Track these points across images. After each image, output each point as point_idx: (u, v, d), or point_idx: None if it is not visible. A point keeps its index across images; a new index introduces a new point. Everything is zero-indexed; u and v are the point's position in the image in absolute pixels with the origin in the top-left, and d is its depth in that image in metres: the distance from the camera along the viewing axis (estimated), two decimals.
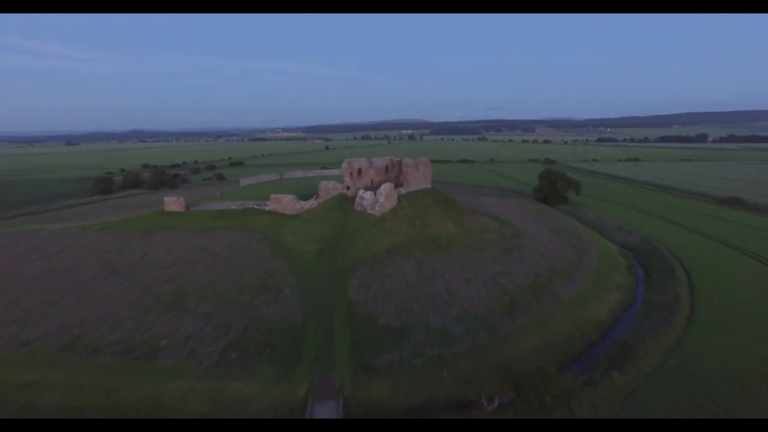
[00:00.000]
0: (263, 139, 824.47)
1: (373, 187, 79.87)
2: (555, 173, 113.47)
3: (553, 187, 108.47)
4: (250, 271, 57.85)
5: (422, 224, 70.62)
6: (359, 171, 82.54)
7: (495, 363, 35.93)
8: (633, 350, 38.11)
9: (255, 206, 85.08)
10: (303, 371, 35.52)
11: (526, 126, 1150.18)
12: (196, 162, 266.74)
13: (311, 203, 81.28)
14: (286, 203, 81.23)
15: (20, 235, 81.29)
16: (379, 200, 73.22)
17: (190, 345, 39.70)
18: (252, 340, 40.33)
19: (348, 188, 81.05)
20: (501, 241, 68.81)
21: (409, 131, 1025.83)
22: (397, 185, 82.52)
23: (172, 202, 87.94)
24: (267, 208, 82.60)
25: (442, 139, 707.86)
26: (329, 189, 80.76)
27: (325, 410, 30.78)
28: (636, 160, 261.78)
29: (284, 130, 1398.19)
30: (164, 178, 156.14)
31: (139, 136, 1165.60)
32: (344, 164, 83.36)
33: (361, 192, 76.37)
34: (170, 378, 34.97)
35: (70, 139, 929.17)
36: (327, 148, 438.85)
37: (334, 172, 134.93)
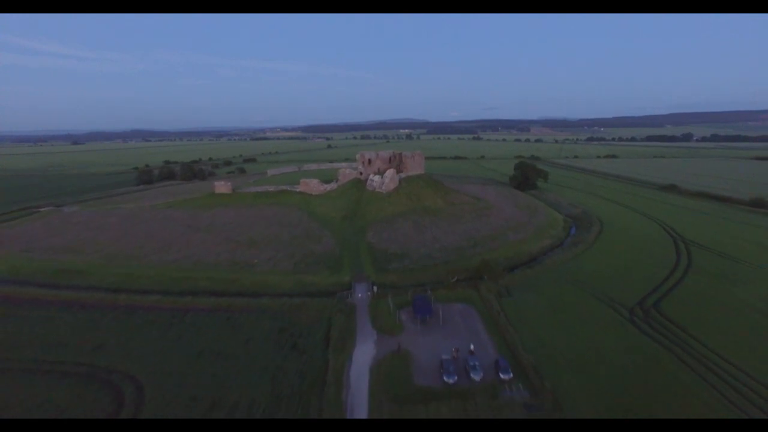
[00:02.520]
0: (265, 139, 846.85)
1: (380, 173, 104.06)
2: (527, 165, 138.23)
3: (525, 176, 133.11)
4: (295, 228, 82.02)
5: (417, 199, 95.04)
6: (369, 161, 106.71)
7: (459, 266, 60.22)
8: (543, 262, 62.80)
9: (288, 188, 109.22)
10: (346, 271, 59.84)
11: (522, 126, 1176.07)
12: (211, 159, 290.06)
13: (332, 185, 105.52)
14: (313, 186, 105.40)
15: (105, 212, 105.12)
16: (385, 182, 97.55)
17: (272, 262, 63.88)
18: (311, 260, 64.57)
19: (361, 173, 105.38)
20: (475, 211, 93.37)
21: (407, 131, 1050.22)
22: (399, 171, 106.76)
23: (221, 186, 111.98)
24: (298, 190, 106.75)
25: (438, 138, 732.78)
26: (347, 174, 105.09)
27: (362, 287, 54.89)
28: (613, 157, 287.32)
29: (283, 129, 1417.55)
30: (194, 171, 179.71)
31: (140, 135, 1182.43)
32: (358, 156, 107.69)
33: (371, 176, 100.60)
34: (267, 275, 59.15)
35: (72, 139, 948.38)
36: (329, 146, 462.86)
37: (343, 164, 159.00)
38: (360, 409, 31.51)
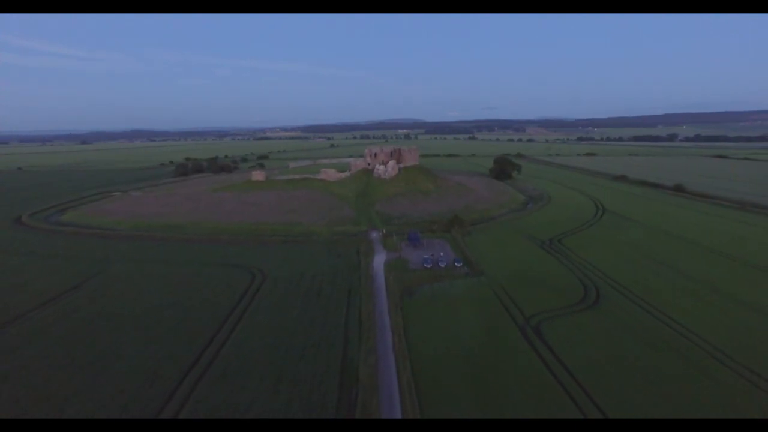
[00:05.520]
0: (268, 138, 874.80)
1: (384, 164, 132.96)
2: (504, 160, 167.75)
3: (501, 169, 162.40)
4: (322, 203, 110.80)
5: (413, 183, 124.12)
6: (375, 154, 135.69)
7: (440, 220, 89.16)
8: (497, 220, 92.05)
9: (310, 176, 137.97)
10: (363, 225, 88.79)
11: (518, 126, 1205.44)
12: (226, 156, 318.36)
13: (346, 174, 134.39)
14: (330, 174, 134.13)
15: (167, 195, 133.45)
16: (388, 170, 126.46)
17: (311, 222, 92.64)
18: (338, 220, 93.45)
19: (368, 164, 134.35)
20: (457, 192, 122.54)
21: (405, 131, 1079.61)
22: (398, 163, 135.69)
23: (258, 174, 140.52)
24: (319, 177, 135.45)
25: (435, 138, 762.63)
26: (357, 165, 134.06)
27: (376, 232, 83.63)
28: (592, 155, 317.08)
29: (282, 129, 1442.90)
30: (221, 166, 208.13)
31: (142, 135, 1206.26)
32: (366, 150, 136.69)
33: (377, 166, 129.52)
34: (310, 227, 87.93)
35: (75, 139, 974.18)
36: (332, 145, 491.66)
37: (350, 160, 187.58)
38: (379, 275, 60.21)
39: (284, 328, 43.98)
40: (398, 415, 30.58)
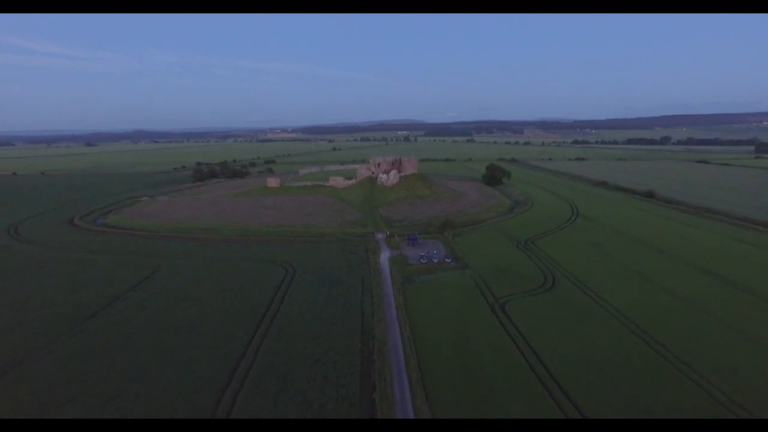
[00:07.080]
0: (271, 140, 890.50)
1: (386, 172, 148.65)
2: (495, 167, 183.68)
3: (492, 175, 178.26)
4: (333, 207, 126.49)
5: (412, 189, 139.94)
6: (378, 164, 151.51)
7: (434, 223, 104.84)
8: (485, 223, 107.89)
9: (320, 183, 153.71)
10: (370, 227, 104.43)
11: (516, 127, 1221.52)
12: (235, 160, 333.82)
13: (353, 181, 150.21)
14: (339, 182, 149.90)
15: (192, 200, 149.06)
16: (390, 179, 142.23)
17: (325, 224, 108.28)
18: (347, 222, 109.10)
19: (372, 172, 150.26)
20: (451, 197, 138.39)
21: (405, 132, 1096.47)
22: (399, 171, 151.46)
23: (272, 181, 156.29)
24: (328, 184, 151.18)
25: (434, 141, 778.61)
26: (363, 173, 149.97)
27: (381, 233, 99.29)
28: (582, 159, 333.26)
29: (282, 130, 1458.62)
30: (234, 170, 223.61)
31: (145, 136, 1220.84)
32: (371, 160, 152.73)
33: (380, 174, 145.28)
34: (324, 229, 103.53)
35: (77, 140, 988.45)
36: (334, 149, 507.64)
37: (356, 165, 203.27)
38: (385, 268, 75.78)
39: (317, 304, 59.60)
40: (401, 356, 46.18)
